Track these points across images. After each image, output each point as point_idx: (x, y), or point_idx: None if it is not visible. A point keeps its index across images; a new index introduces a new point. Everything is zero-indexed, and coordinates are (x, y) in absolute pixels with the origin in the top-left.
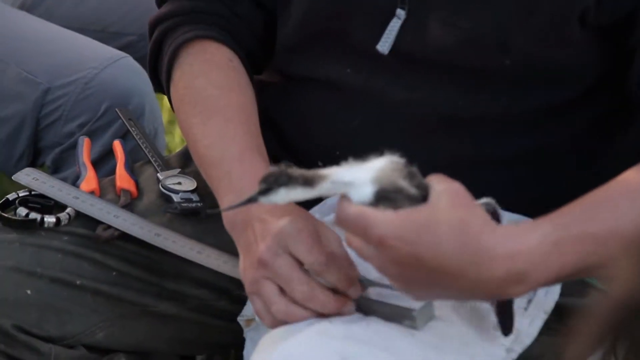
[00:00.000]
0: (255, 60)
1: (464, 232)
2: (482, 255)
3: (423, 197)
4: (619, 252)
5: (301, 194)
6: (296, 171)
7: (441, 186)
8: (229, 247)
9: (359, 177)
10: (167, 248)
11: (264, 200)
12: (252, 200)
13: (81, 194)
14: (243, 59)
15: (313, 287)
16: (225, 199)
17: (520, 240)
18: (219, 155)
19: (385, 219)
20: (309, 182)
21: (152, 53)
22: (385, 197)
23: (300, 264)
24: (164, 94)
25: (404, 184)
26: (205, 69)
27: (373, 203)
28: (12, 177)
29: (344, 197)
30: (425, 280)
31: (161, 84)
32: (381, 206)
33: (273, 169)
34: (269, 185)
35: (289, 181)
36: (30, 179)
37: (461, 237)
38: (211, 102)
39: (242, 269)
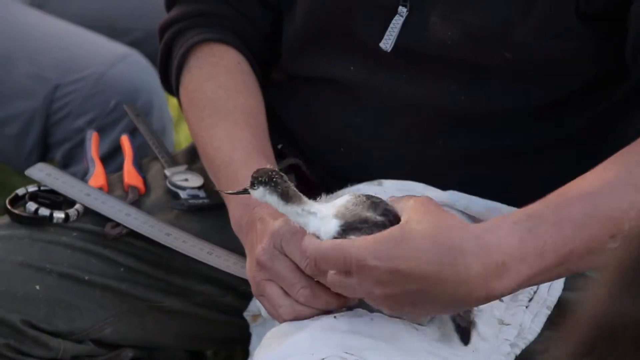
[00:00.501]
0: (264, 60)
1: (437, 237)
2: (456, 254)
3: (390, 222)
4: (604, 235)
5: (275, 202)
6: (283, 181)
7: (410, 202)
8: (235, 243)
9: (322, 211)
10: (177, 248)
11: (250, 192)
12: (245, 191)
13: (93, 191)
14: (251, 60)
15: (314, 288)
16: (232, 202)
17: (491, 232)
18: (227, 158)
19: (360, 243)
20: (284, 197)
21: (162, 57)
22: (352, 228)
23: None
24: (175, 97)
25: (369, 214)
26: (213, 72)
27: (341, 235)
28: (25, 172)
29: (311, 236)
30: (410, 296)
31: (172, 88)
32: (351, 237)
33: (265, 168)
34: (253, 180)
35: (269, 185)
36: (44, 174)
37: (434, 242)
38: (219, 105)
39: (247, 270)
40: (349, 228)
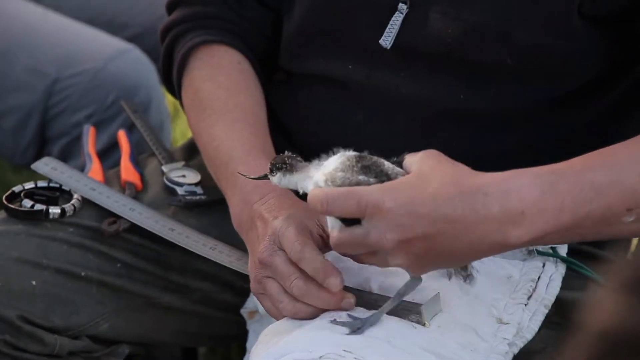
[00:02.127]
0: (267, 61)
1: (456, 181)
2: (477, 194)
3: (383, 182)
4: (620, 206)
5: (287, 181)
6: (295, 161)
7: (418, 155)
8: (232, 239)
9: (316, 176)
10: (180, 243)
11: (270, 178)
12: (265, 176)
13: (98, 186)
14: (253, 61)
15: (309, 282)
16: (232, 200)
17: (514, 178)
18: (226, 157)
19: (375, 187)
20: (291, 170)
21: (164, 59)
22: None
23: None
24: (178, 99)
25: (361, 178)
26: (212, 73)
27: None
28: (31, 166)
29: (316, 187)
30: (424, 242)
31: (174, 90)
32: None
33: (283, 154)
34: (272, 167)
35: (284, 169)
36: (49, 168)
37: (454, 185)
38: (218, 105)
39: (249, 268)
40: None
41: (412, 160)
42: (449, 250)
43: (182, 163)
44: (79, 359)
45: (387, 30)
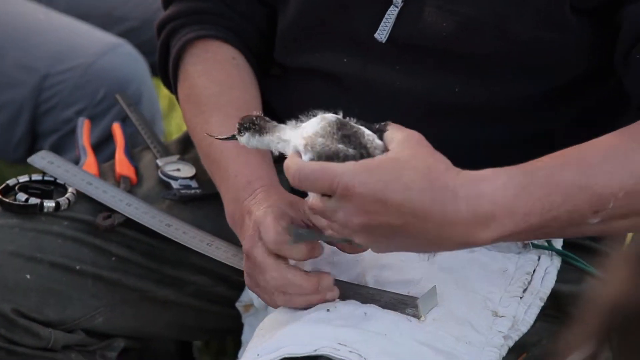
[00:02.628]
0: (262, 55)
1: (430, 175)
2: (447, 193)
3: (362, 155)
4: (588, 209)
5: (257, 142)
6: (265, 122)
7: (401, 134)
8: (227, 234)
9: (293, 139)
10: (177, 239)
11: (238, 139)
12: (233, 137)
13: (94, 180)
14: (247, 56)
15: (283, 272)
16: (226, 197)
17: (487, 181)
18: (218, 153)
19: (349, 168)
20: (261, 131)
21: (160, 55)
22: (326, 159)
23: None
24: (174, 95)
25: (340, 147)
26: (207, 68)
27: None
28: (28, 160)
29: (294, 155)
30: (389, 229)
31: (171, 86)
32: None
33: (250, 114)
34: (239, 127)
35: (252, 129)
36: (45, 162)
37: (427, 179)
38: (213, 100)
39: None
40: (319, 160)
41: (393, 136)
42: (412, 241)
43: (177, 157)
44: (74, 353)
45: (382, 24)
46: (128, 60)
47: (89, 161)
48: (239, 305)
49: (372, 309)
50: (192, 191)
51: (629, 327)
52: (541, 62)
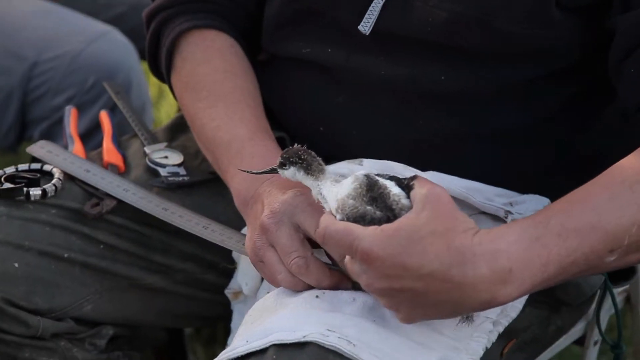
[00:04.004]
0: (252, 42)
1: (447, 237)
2: (465, 255)
3: (388, 218)
4: (603, 248)
5: (300, 176)
6: (311, 157)
7: (423, 190)
8: (215, 220)
9: (329, 201)
10: (173, 222)
11: (280, 172)
12: (273, 170)
13: (92, 167)
14: (243, 44)
15: (310, 261)
16: (235, 179)
17: (500, 237)
18: (228, 136)
19: (369, 232)
20: (308, 171)
21: (150, 44)
22: (354, 220)
23: (299, 236)
24: (166, 83)
25: (368, 209)
26: (207, 56)
27: None
28: (27, 150)
29: (329, 214)
30: (411, 293)
31: (161, 74)
32: None
33: (294, 148)
34: (284, 160)
35: (299, 164)
36: (44, 151)
37: (444, 241)
38: (217, 87)
39: (248, 239)
40: (350, 220)
41: (419, 193)
42: (435, 305)
43: (165, 144)
44: (63, 341)
45: (366, 16)
46: (117, 47)
47: (77, 149)
48: (228, 292)
49: (361, 294)
50: (180, 178)
51: None
52: (528, 53)
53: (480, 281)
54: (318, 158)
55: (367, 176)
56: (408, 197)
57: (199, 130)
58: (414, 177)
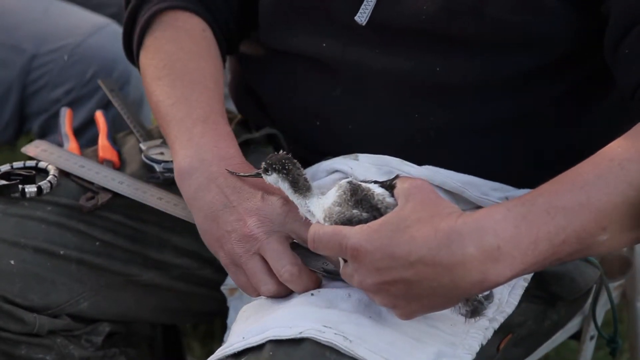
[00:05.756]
0: (231, 32)
1: (433, 222)
2: (452, 236)
3: (374, 217)
4: (595, 226)
5: (286, 189)
6: (295, 168)
7: (405, 185)
8: None
9: (316, 213)
10: (168, 211)
11: (264, 176)
12: (257, 175)
13: (87, 163)
14: (216, 30)
15: (301, 269)
16: (181, 152)
17: (486, 216)
18: (182, 114)
19: (357, 230)
20: (294, 186)
21: (126, 25)
22: (342, 225)
23: (289, 245)
24: (134, 63)
25: (355, 212)
26: (175, 36)
27: None
28: (22, 150)
29: (317, 223)
30: (404, 284)
31: (132, 53)
32: None
33: (278, 155)
34: (267, 166)
35: (282, 172)
36: (39, 150)
37: (431, 226)
38: (179, 66)
39: (204, 232)
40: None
41: (401, 188)
42: (429, 292)
43: (160, 140)
44: (59, 338)
45: (362, 6)
46: (116, 40)
47: (72, 147)
48: (224, 288)
49: (356, 291)
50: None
51: None
52: (523, 42)
53: (470, 260)
54: (303, 172)
55: (349, 182)
56: (392, 196)
57: (154, 106)
58: (396, 177)
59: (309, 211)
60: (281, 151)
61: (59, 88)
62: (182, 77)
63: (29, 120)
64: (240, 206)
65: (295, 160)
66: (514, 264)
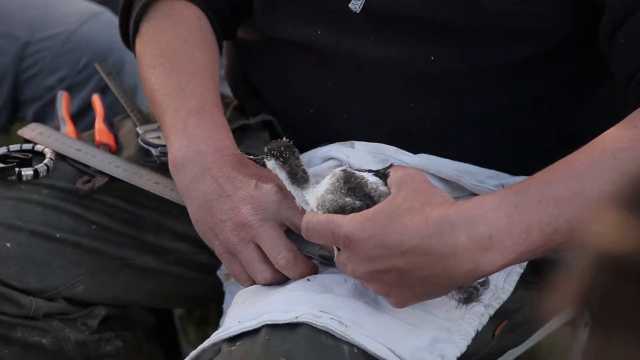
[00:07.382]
0: (227, 20)
1: (425, 211)
2: (444, 224)
3: (368, 205)
4: (587, 216)
5: (283, 178)
6: (294, 158)
7: (398, 174)
8: None
9: (310, 202)
10: (165, 195)
11: (265, 161)
12: (261, 160)
13: (83, 146)
14: (212, 19)
15: (296, 255)
16: (175, 143)
17: (478, 205)
18: (177, 104)
19: (350, 218)
20: (291, 177)
21: (122, 11)
22: (335, 213)
23: (283, 232)
24: (131, 49)
25: (348, 200)
26: (171, 24)
27: None
28: (18, 132)
29: (311, 212)
30: (397, 273)
31: (129, 40)
32: None
33: (279, 142)
34: (267, 152)
35: (279, 160)
36: (35, 133)
37: (423, 215)
38: (175, 55)
39: (198, 222)
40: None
41: (394, 177)
42: (422, 281)
43: (157, 124)
44: (55, 321)
45: None
46: (110, 27)
47: (68, 130)
48: (220, 273)
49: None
50: None
51: (608, 292)
52: (517, 31)
53: (461, 249)
54: (302, 162)
55: (343, 170)
56: (386, 184)
57: (150, 94)
58: (390, 166)
59: (306, 202)
60: (284, 138)
61: (53, 75)
62: (177, 67)
63: (22, 107)
64: (234, 195)
65: (296, 149)
66: (505, 253)
